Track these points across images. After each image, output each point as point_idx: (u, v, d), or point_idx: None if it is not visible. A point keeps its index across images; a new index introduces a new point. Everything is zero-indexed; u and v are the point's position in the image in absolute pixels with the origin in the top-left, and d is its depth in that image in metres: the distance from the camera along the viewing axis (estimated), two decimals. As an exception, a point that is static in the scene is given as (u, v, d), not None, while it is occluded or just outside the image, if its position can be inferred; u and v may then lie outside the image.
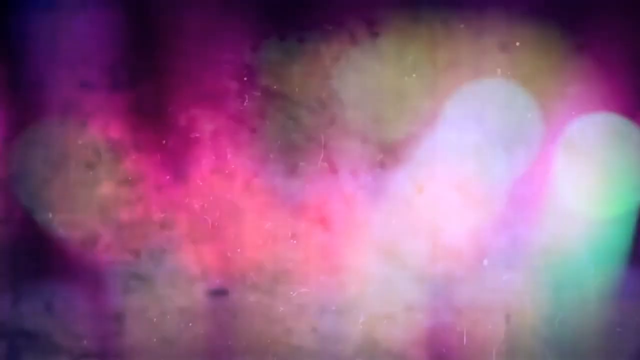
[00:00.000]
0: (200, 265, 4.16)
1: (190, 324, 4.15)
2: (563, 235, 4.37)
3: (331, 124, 4.24)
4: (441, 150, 4.30)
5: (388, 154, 4.27)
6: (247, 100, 4.20)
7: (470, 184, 4.32)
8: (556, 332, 4.34)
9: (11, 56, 4.08)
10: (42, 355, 4.07)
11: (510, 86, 4.35)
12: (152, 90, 4.15)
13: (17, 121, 4.08)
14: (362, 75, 4.25)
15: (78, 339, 4.09)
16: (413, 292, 4.28)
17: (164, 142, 4.15)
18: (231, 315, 4.18)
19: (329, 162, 4.24)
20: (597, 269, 4.38)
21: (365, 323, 4.25)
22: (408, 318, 4.27)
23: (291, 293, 4.21)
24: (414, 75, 4.29)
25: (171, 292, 4.15)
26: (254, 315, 4.19)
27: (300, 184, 4.23)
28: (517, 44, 4.35)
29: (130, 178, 4.14)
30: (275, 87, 4.21)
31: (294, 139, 4.22)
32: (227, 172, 4.19)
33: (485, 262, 4.31)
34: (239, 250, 4.19)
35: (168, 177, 4.16)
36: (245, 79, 4.20)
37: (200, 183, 4.17)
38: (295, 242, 4.21)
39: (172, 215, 4.15)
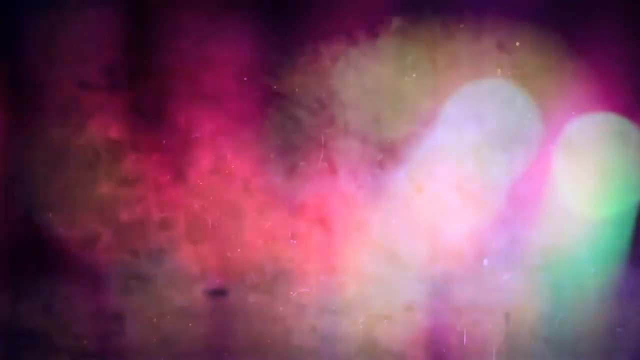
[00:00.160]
0: (199, 265, 4.16)
1: (189, 324, 4.15)
2: (563, 235, 4.37)
3: (331, 124, 4.24)
4: (441, 151, 4.30)
5: (387, 154, 4.27)
6: (246, 101, 4.20)
7: (470, 184, 4.32)
8: (556, 332, 4.34)
9: (10, 56, 4.08)
10: (42, 355, 4.06)
11: (510, 86, 4.35)
12: (151, 91, 4.15)
13: (17, 121, 4.08)
14: (362, 75, 4.25)
15: (77, 339, 4.09)
16: (412, 292, 4.28)
17: (163, 142, 4.15)
18: (231, 315, 4.18)
19: (329, 162, 4.24)
20: (597, 269, 4.38)
21: (364, 323, 4.25)
22: (408, 318, 4.27)
23: (291, 293, 4.21)
24: (413, 75, 4.29)
25: (171, 292, 4.14)
26: (253, 315, 4.19)
27: (299, 184, 4.22)
28: (517, 44, 4.35)
29: (129, 178, 4.13)
30: (275, 87, 4.21)
31: (293, 139, 4.22)
32: (226, 172, 4.19)
33: (485, 262, 4.32)
34: (238, 250, 4.18)
35: (168, 177, 4.15)
36: (245, 79, 4.20)
37: (200, 183, 4.17)
38: (294, 242, 4.21)
39: (172, 215, 4.15)
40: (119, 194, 4.12)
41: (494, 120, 4.34)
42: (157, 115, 4.15)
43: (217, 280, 4.18)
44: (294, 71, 4.22)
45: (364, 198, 4.26)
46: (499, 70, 4.35)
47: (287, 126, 4.22)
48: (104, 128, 4.12)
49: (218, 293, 4.17)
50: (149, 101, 4.15)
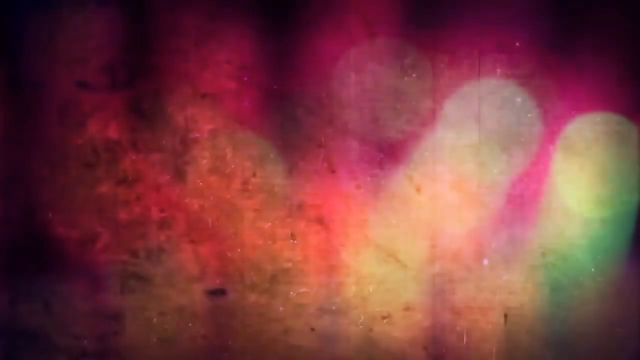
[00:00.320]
0: (199, 265, 4.16)
1: (189, 324, 4.16)
2: (562, 235, 4.37)
3: (330, 124, 4.24)
4: (440, 150, 4.30)
5: (387, 154, 4.27)
6: (245, 100, 4.20)
7: (469, 184, 4.32)
8: (555, 332, 4.34)
9: (10, 56, 4.09)
10: (41, 355, 4.07)
11: (510, 86, 4.35)
12: (151, 90, 4.15)
13: (16, 121, 4.08)
14: (361, 75, 4.25)
15: (77, 339, 4.09)
16: (412, 292, 4.28)
17: (163, 142, 4.15)
18: (230, 315, 4.18)
19: (328, 162, 4.24)
20: (596, 269, 4.38)
21: (364, 323, 4.25)
22: (407, 318, 4.27)
23: (290, 293, 4.21)
24: (413, 75, 4.29)
25: (170, 292, 4.15)
26: (253, 315, 4.19)
27: (299, 184, 4.23)
28: (517, 44, 4.35)
29: (129, 178, 4.14)
30: (274, 87, 4.21)
31: (293, 139, 4.22)
32: (226, 172, 4.19)
33: (485, 261, 4.31)
34: (238, 250, 4.19)
35: (167, 177, 4.16)
36: (246, 79, 4.20)
37: (200, 183, 4.17)
38: (294, 242, 4.22)
39: (171, 215, 4.15)
40: (118, 193, 4.13)
41: (494, 120, 4.34)
42: (156, 115, 4.16)
43: (217, 280, 4.18)
44: (294, 71, 4.22)
45: (363, 198, 4.26)
46: (499, 70, 4.34)
47: (287, 126, 4.22)
48: (103, 128, 4.13)
49: (217, 293, 4.17)
50: (149, 101, 4.15)
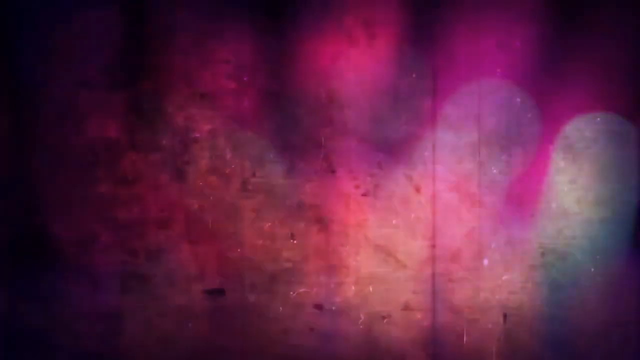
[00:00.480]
0: (198, 265, 4.16)
1: (188, 324, 4.15)
2: (561, 235, 4.37)
3: (329, 123, 4.24)
4: (439, 150, 4.30)
5: (386, 153, 4.27)
6: (245, 100, 4.20)
7: (469, 184, 4.32)
8: (555, 331, 4.34)
9: (9, 56, 4.08)
10: (41, 355, 4.07)
11: (509, 86, 4.35)
12: (150, 90, 4.15)
13: (16, 121, 4.08)
14: (361, 75, 4.25)
15: (76, 338, 4.09)
16: (411, 291, 4.28)
17: (162, 141, 4.15)
18: (230, 315, 4.18)
19: (328, 162, 4.24)
20: (596, 269, 4.38)
21: (364, 323, 4.25)
22: (406, 317, 4.27)
23: (290, 293, 4.21)
24: (413, 75, 4.29)
25: (169, 291, 4.14)
26: (252, 315, 4.19)
27: (298, 184, 4.22)
28: (517, 44, 4.35)
29: (128, 178, 4.13)
30: (273, 87, 4.21)
31: (292, 138, 4.22)
32: (226, 172, 4.19)
33: (485, 261, 4.32)
34: (237, 250, 4.18)
35: (166, 176, 4.15)
36: (245, 79, 4.20)
37: (199, 183, 4.17)
38: (293, 241, 4.21)
39: (171, 215, 4.15)
40: (118, 193, 4.12)
41: (493, 120, 4.34)
42: (156, 115, 4.15)
43: (216, 279, 4.18)
44: (293, 71, 4.22)
45: (362, 198, 4.26)
46: (499, 70, 4.35)
47: (286, 126, 4.22)
48: (102, 127, 4.12)
49: (217, 293, 4.17)
50: (148, 101, 4.15)
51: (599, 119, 4.39)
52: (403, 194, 4.29)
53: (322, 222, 4.24)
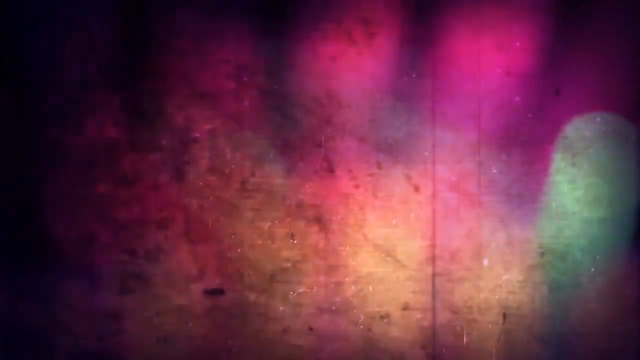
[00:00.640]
0: (198, 265, 4.17)
1: (188, 324, 4.16)
2: (561, 235, 4.37)
3: (329, 123, 4.24)
4: (439, 150, 4.30)
5: (386, 153, 4.27)
6: (245, 100, 4.20)
7: (468, 184, 4.32)
8: (554, 331, 4.34)
9: (9, 56, 4.09)
10: (40, 355, 4.07)
11: (509, 86, 4.35)
12: (150, 90, 4.15)
13: (16, 121, 4.08)
14: (360, 75, 4.25)
15: (75, 338, 4.09)
16: (411, 291, 4.28)
17: (162, 141, 4.15)
18: (229, 315, 4.18)
19: (327, 161, 4.24)
20: (596, 269, 4.38)
21: (363, 322, 4.25)
22: (406, 317, 4.27)
23: (290, 293, 4.21)
24: (413, 75, 4.29)
25: (169, 291, 4.15)
26: (252, 315, 4.19)
27: (298, 184, 4.23)
28: (517, 43, 4.35)
29: (128, 177, 4.14)
30: (273, 86, 4.21)
31: (292, 138, 4.22)
32: (225, 171, 4.19)
33: (485, 261, 4.31)
34: (237, 249, 4.19)
35: (166, 176, 4.16)
36: (245, 79, 4.20)
37: (199, 183, 4.17)
38: (293, 241, 4.22)
39: (170, 214, 4.15)
40: (117, 193, 4.13)
41: (493, 120, 4.34)
42: (155, 115, 4.16)
43: (216, 279, 4.18)
44: (292, 71, 4.22)
45: (362, 197, 4.26)
46: (499, 70, 4.34)
47: (286, 126, 4.22)
48: (102, 127, 4.13)
49: (216, 292, 4.17)
50: (148, 101, 4.16)
51: (599, 119, 4.39)
52: (402, 193, 4.29)
53: (322, 222, 4.24)
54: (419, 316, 4.28)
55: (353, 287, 4.25)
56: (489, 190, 4.32)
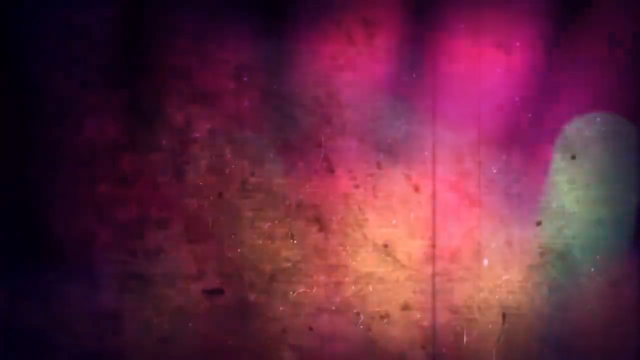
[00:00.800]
0: (198, 265, 4.16)
1: (188, 323, 4.15)
2: (561, 235, 4.37)
3: (329, 123, 4.24)
4: (439, 150, 4.30)
5: (385, 153, 4.27)
6: (245, 100, 4.20)
7: (468, 183, 4.32)
8: (554, 331, 4.34)
9: (8, 56, 4.08)
10: (40, 354, 4.07)
11: (509, 86, 4.35)
12: (150, 90, 4.15)
13: (16, 121, 4.08)
14: (360, 75, 4.25)
15: (75, 338, 4.09)
16: (411, 291, 4.28)
17: (162, 141, 4.15)
18: (229, 315, 4.18)
19: (327, 161, 4.24)
20: (595, 269, 4.38)
21: (363, 322, 4.25)
22: (406, 317, 4.27)
23: (290, 293, 4.21)
24: (413, 75, 4.29)
25: (169, 291, 4.15)
26: (251, 315, 4.19)
27: (298, 184, 4.23)
28: (517, 44, 4.35)
29: (128, 177, 4.14)
30: (273, 86, 4.21)
31: (291, 138, 4.22)
32: (225, 171, 4.19)
33: (485, 261, 4.31)
34: (237, 249, 4.19)
35: (166, 176, 4.16)
36: (245, 79, 4.20)
37: (199, 183, 4.17)
38: (292, 241, 4.22)
39: (170, 214, 4.15)
40: (117, 193, 4.13)
41: (493, 120, 4.34)
42: (155, 115, 4.16)
43: (216, 279, 4.18)
44: (292, 71, 4.22)
45: (361, 197, 4.26)
46: (498, 70, 4.35)
47: (286, 126, 4.22)
48: (102, 127, 4.13)
49: (216, 292, 4.17)
50: (148, 101, 4.15)
51: (599, 119, 4.39)
52: (402, 193, 4.29)
53: (322, 222, 4.24)
54: (418, 316, 4.28)
55: (353, 287, 4.25)
56: (489, 190, 4.32)
